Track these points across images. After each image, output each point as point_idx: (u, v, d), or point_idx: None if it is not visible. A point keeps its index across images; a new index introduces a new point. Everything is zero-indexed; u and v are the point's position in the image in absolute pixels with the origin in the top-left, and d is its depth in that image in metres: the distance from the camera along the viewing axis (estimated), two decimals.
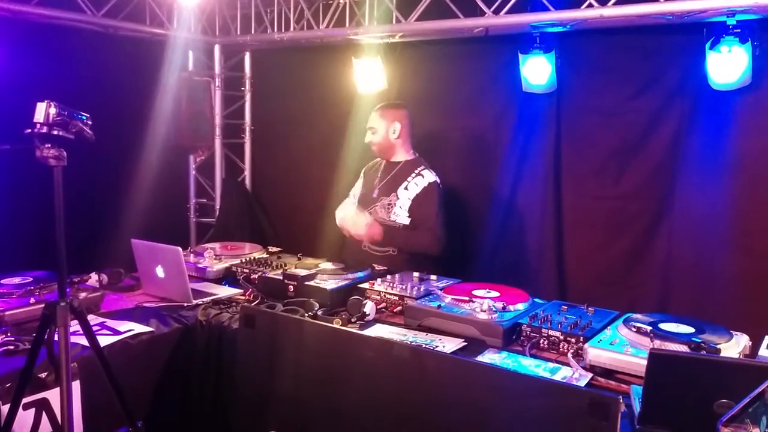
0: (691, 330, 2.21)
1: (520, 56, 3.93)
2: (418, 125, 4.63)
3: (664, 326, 2.25)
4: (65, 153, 1.93)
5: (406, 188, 3.56)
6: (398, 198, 3.55)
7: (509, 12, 3.79)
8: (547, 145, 4.15)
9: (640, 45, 3.77)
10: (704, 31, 3.35)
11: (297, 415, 2.28)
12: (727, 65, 3.28)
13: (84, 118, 1.94)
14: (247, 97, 5.50)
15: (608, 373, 2.12)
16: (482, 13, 3.88)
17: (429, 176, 3.57)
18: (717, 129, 3.54)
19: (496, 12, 3.83)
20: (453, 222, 4.57)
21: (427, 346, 2.33)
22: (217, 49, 5.31)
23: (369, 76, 4.46)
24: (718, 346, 2.06)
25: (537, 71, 3.91)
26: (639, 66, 3.79)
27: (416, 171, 3.59)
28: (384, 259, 3.45)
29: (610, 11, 3.43)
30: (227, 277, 3.33)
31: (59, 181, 1.89)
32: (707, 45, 3.31)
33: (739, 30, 3.20)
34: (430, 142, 4.62)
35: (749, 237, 3.52)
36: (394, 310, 2.78)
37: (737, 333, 2.23)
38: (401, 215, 3.53)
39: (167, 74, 4.81)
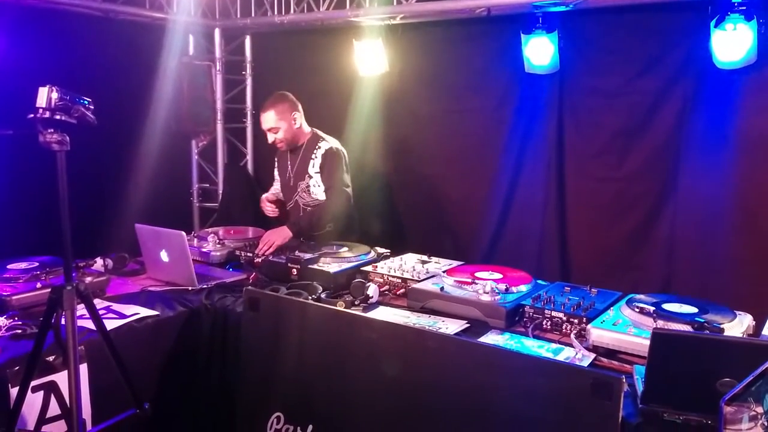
0: (694, 310, 2.22)
1: (523, 37, 3.90)
2: (420, 107, 4.64)
3: (667, 306, 2.25)
4: (68, 138, 1.93)
5: (313, 165, 3.65)
6: (311, 177, 3.65)
7: None
8: (550, 126, 4.13)
9: (644, 24, 3.73)
10: (709, 9, 3.31)
11: (301, 396, 2.30)
12: (732, 43, 3.25)
13: (86, 102, 1.94)
14: (248, 81, 5.47)
15: (611, 353, 2.13)
16: None
17: (324, 145, 3.66)
18: (721, 108, 3.52)
19: None
20: (455, 204, 4.60)
21: (430, 328, 2.34)
22: (217, 32, 5.27)
23: (370, 58, 4.44)
24: (722, 326, 2.06)
25: (539, 52, 3.88)
26: (643, 45, 3.75)
27: (317, 146, 3.67)
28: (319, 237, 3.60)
29: None
30: (231, 261, 3.34)
31: (62, 166, 1.89)
32: (712, 23, 3.28)
33: (744, 7, 3.17)
34: (432, 123, 4.62)
35: (753, 217, 3.50)
36: (398, 293, 2.79)
37: (740, 313, 2.24)
38: (319, 192, 3.64)
39: (167, 59, 4.78)
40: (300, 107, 3.69)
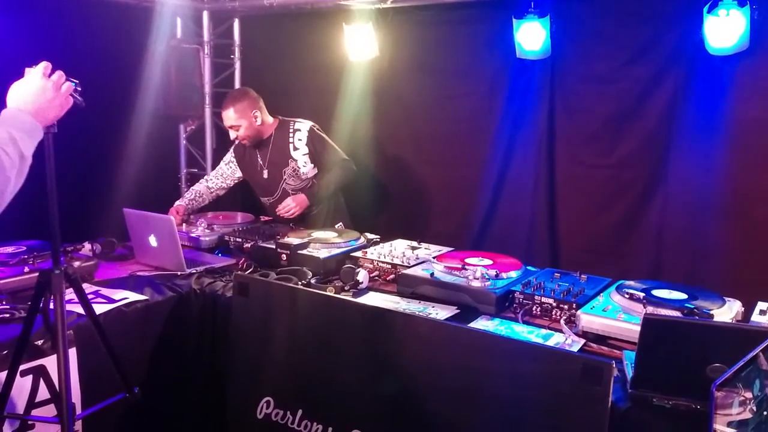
0: (684, 296, 2.22)
1: (515, 21, 3.88)
2: (410, 92, 4.62)
3: (657, 293, 2.26)
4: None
5: (296, 148, 3.65)
6: (296, 160, 3.66)
7: None
8: (541, 112, 4.13)
9: (637, 9, 3.72)
10: None
11: (291, 381, 2.31)
12: (724, 29, 3.24)
13: (74, 84, 1.90)
14: (237, 65, 5.41)
15: (601, 339, 2.14)
16: None
17: (303, 126, 3.70)
18: (713, 95, 3.52)
19: None
20: (445, 190, 4.60)
21: (420, 314, 2.34)
22: (205, 15, 5.20)
23: (360, 42, 4.41)
24: (711, 312, 2.07)
25: (531, 37, 3.87)
26: (635, 31, 3.75)
27: (291, 129, 3.68)
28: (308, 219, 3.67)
29: None
30: (220, 246, 3.33)
31: (50, 149, 1.86)
32: (705, 9, 3.28)
33: None
34: (422, 109, 4.61)
35: (742, 204, 3.53)
36: (387, 278, 2.78)
37: (730, 299, 2.24)
38: (309, 170, 3.69)
39: (155, 42, 4.71)
40: (261, 102, 3.68)
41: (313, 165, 3.69)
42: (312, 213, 3.68)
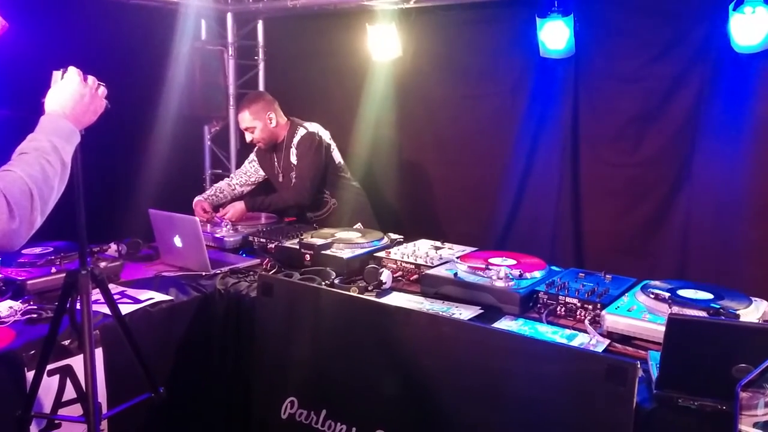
0: (709, 296, 2.19)
1: (538, 20, 3.85)
2: (433, 92, 4.61)
3: (682, 293, 2.23)
4: None
5: (293, 155, 3.68)
6: (295, 164, 3.69)
7: None
8: (565, 111, 4.09)
9: (661, 7, 3.68)
10: None
11: (315, 381, 2.32)
12: (751, 27, 3.19)
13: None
14: (261, 66, 5.46)
15: (625, 339, 2.12)
16: None
17: (302, 131, 3.67)
18: (739, 94, 3.47)
19: None
20: (469, 189, 4.58)
21: (444, 314, 2.34)
22: (229, 17, 5.25)
23: (383, 43, 4.41)
24: (737, 312, 2.04)
25: (555, 36, 3.83)
26: (660, 29, 3.70)
27: (295, 132, 3.69)
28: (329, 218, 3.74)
29: None
30: (244, 247, 3.35)
31: (77, 151, 1.88)
32: (730, 6, 3.23)
33: None
34: (445, 109, 4.60)
35: None
36: (411, 279, 2.78)
37: (756, 299, 2.21)
38: None
39: (180, 44, 4.77)
40: (276, 105, 3.71)
41: None
42: (329, 212, 3.72)
